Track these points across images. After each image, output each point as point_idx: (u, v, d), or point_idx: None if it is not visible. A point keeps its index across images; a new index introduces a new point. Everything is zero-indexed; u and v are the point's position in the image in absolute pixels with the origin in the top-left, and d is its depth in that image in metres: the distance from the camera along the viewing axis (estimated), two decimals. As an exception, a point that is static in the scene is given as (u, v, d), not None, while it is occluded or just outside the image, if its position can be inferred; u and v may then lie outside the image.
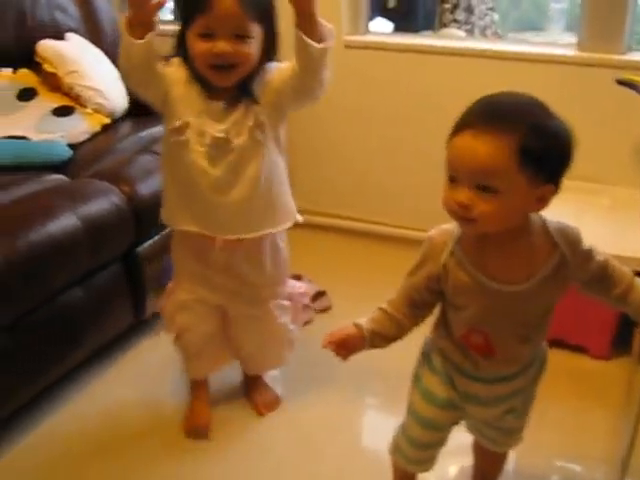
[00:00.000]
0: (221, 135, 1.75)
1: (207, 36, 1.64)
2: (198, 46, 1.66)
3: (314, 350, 2.43)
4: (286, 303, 2.10)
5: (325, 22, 1.69)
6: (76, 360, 2.21)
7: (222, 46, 1.64)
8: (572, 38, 3.92)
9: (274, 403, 2.22)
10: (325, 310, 2.67)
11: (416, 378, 1.60)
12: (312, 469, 1.98)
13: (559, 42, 4.78)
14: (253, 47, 1.68)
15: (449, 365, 1.51)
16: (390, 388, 2.27)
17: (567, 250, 1.35)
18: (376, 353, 2.28)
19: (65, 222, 2.02)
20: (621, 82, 2.38)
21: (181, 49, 1.73)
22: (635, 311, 1.44)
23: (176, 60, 1.77)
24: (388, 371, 2.33)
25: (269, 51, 1.76)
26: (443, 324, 1.49)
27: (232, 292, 1.97)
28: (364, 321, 1.54)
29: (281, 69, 1.77)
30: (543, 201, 1.28)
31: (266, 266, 1.99)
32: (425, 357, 1.58)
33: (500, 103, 1.30)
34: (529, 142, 1.21)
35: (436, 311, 1.52)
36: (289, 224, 1.98)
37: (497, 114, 1.26)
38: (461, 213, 1.27)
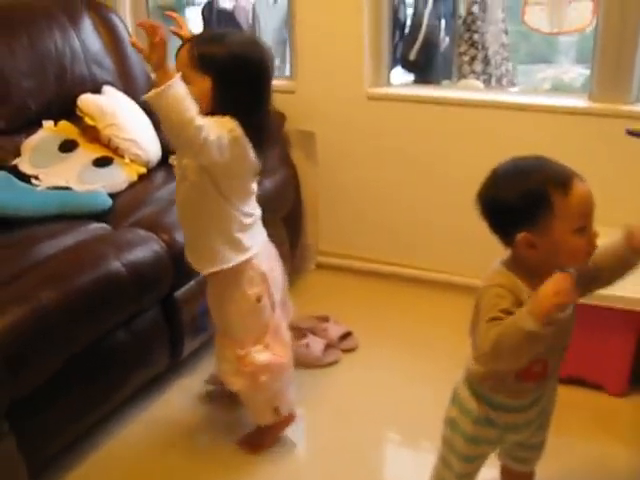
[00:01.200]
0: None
1: None
2: None
3: (341, 387, 2.57)
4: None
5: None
6: (118, 400, 2.33)
7: None
8: (582, 69, 4.07)
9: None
10: (351, 350, 2.77)
11: (452, 423, 1.69)
12: None
13: (569, 73, 4.88)
14: None
15: (486, 406, 1.62)
16: (415, 426, 2.37)
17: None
18: (403, 391, 2.41)
19: (111, 269, 2.16)
20: (631, 133, 2.50)
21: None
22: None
23: None
24: (412, 410, 2.44)
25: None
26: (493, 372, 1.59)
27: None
28: None
29: None
30: None
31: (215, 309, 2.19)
32: (457, 403, 1.68)
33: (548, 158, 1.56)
34: None
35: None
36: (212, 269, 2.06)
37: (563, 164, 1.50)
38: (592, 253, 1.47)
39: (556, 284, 1.36)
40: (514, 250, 1.52)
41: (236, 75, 1.90)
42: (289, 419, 2.30)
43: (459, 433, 1.67)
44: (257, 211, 2.14)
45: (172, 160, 2.12)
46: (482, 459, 1.72)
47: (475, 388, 1.64)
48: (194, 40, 1.94)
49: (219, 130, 1.85)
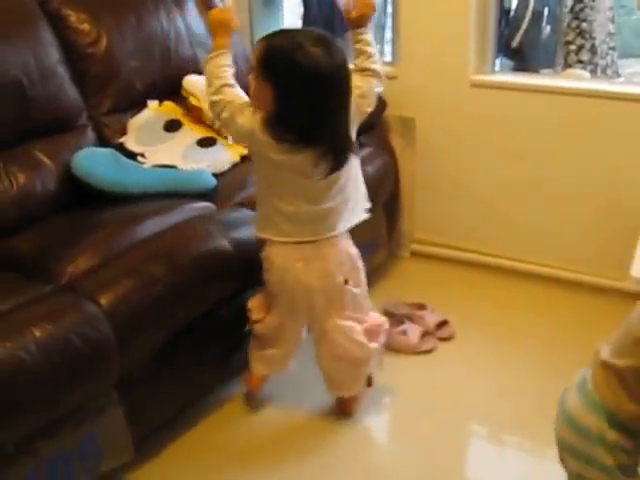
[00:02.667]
0: None
1: None
2: None
3: (437, 375, 2.56)
4: None
5: None
6: (220, 376, 2.40)
7: None
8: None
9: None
10: (448, 339, 2.75)
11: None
12: None
13: None
14: None
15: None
16: (508, 419, 2.35)
17: None
18: (499, 384, 2.37)
19: (218, 246, 2.20)
20: None
21: None
22: None
23: None
24: (506, 401, 2.41)
25: None
26: None
27: None
28: None
29: None
30: None
31: None
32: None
33: None
34: None
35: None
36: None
37: None
38: None
39: None
40: None
41: (296, 90, 1.93)
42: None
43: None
44: (305, 208, 2.08)
45: None
46: None
47: (615, 419, 1.47)
48: (268, 40, 2.00)
49: (236, 114, 2.02)
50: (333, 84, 1.95)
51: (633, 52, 5.29)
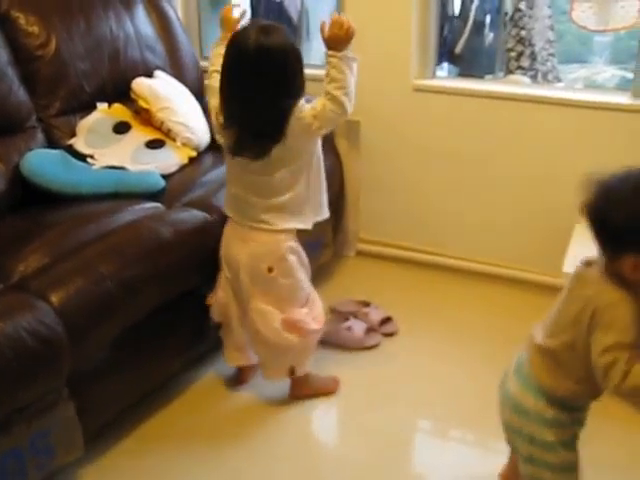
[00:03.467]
0: None
1: None
2: None
3: (381, 370, 2.64)
4: None
5: None
6: (173, 369, 2.47)
7: None
8: (616, 70, 4.07)
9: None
10: (392, 334, 2.84)
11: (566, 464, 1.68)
12: None
13: (603, 74, 4.85)
14: None
15: (577, 414, 1.66)
16: (450, 411, 2.44)
17: None
18: (442, 377, 2.47)
19: (167, 245, 2.25)
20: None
21: None
22: None
23: None
24: (449, 394, 2.51)
25: None
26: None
27: None
28: None
29: None
30: None
31: None
32: (534, 418, 1.65)
33: None
34: None
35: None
36: None
37: None
38: None
39: None
40: (617, 267, 1.52)
41: (224, 69, 2.15)
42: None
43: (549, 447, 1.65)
44: (241, 194, 2.26)
45: None
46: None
47: (553, 397, 1.63)
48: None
49: (211, 97, 2.28)
50: (248, 64, 2.07)
51: (576, 58, 5.39)
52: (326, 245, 3.11)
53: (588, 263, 1.60)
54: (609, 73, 4.99)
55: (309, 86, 2.19)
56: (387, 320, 2.87)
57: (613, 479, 2.12)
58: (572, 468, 1.66)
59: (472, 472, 2.16)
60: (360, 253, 3.47)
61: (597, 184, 1.52)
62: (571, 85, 4.61)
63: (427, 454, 2.36)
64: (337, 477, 2.17)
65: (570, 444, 1.64)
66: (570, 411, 1.62)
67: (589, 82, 4.94)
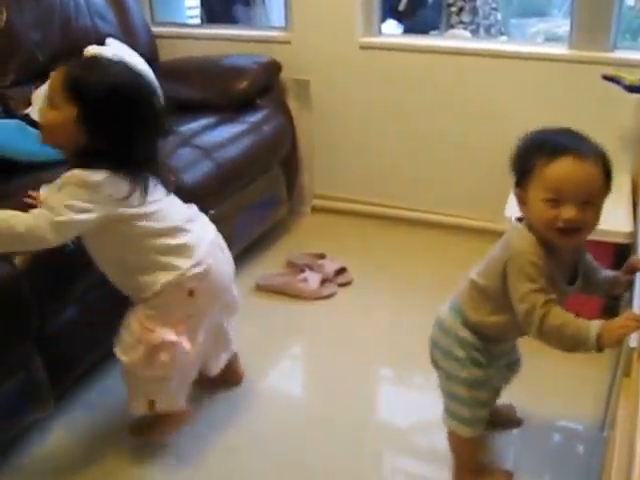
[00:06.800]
0: None
1: None
2: None
3: (337, 317, 2.76)
4: None
5: None
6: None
7: None
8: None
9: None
10: (347, 284, 2.96)
11: (458, 360, 1.79)
12: (327, 440, 2.16)
13: (563, 27, 4.88)
14: None
15: (489, 344, 1.78)
16: (404, 355, 2.54)
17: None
18: (395, 323, 2.58)
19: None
20: (606, 78, 2.66)
21: None
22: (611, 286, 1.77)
23: None
24: (401, 340, 2.62)
25: None
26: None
27: None
28: None
29: None
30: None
31: None
32: (458, 341, 1.79)
33: (574, 132, 1.60)
34: (606, 162, 1.56)
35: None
36: None
37: (582, 141, 1.58)
38: (568, 227, 1.54)
39: (626, 319, 1.49)
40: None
41: (109, 107, 1.80)
42: (179, 417, 2.12)
43: (463, 367, 1.78)
44: None
45: None
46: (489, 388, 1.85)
47: (467, 321, 1.77)
48: (71, 65, 1.92)
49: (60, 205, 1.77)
50: (145, 95, 1.88)
51: (537, 12, 5.42)
52: (280, 202, 3.21)
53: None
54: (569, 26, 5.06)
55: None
56: (342, 271, 2.99)
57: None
58: (483, 385, 1.79)
59: (423, 416, 2.25)
60: (316, 209, 3.59)
61: (523, 137, 1.65)
62: (533, 39, 4.69)
63: (380, 398, 2.47)
64: (294, 422, 2.24)
65: (481, 364, 1.77)
66: (482, 339, 1.76)
67: (549, 35, 5.02)
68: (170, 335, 1.91)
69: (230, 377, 2.35)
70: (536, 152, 1.57)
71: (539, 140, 1.60)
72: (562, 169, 1.52)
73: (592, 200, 1.53)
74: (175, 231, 1.93)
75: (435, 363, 1.88)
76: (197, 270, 1.92)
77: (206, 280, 1.95)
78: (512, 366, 1.96)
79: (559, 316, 1.55)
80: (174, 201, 2.03)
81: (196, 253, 1.93)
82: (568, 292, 1.69)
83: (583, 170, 1.51)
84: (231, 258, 2.14)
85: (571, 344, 1.56)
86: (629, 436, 1.25)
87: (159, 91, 2.00)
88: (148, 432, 2.14)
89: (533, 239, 1.60)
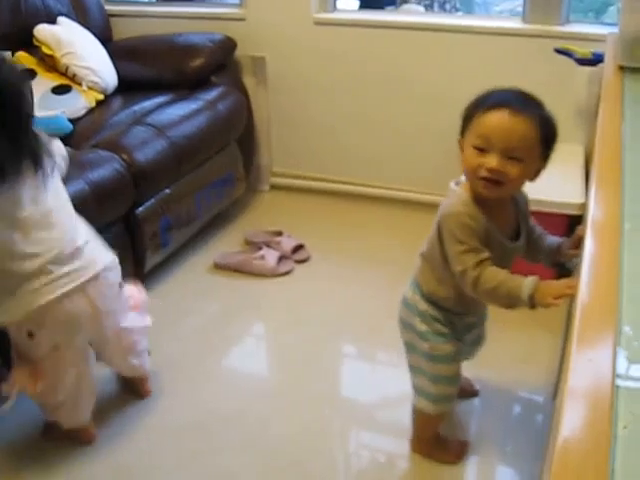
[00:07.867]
0: None
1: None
2: None
3: (295, 294, 2.77)
4: None
5: None
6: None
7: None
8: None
9: None
10: (304, 261, 2.97)
11: (421, 334, 1.81)
12: (291, 417, 2.19)
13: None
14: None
15: (451, 316, 1.79)
16: (367, 330, 2.57)
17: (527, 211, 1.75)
18: (353, 298, 2.60)
19: (75, 187, 2.30)
20: (559, 51, 2.69)
21: None
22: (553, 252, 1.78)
23: None
24: (359, 315, 2.64)
25: None
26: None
27: None
28: None
29: None
30: (537, 174, 1.62)
31: None
32: (420, 315, 1.80)
33: (521, 92, 1.61)
34: (545, 125, 1.57)
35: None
36: None
37: (524, 100, 1.58)
38: (492, 177, 1.56)
39: (565, 286, 1.49)
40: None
41: None
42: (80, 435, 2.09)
43: (429, 340, 1.79)
44: None
45: None
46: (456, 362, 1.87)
47: (423, 293, 1.79)
48: None
49: None
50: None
51: None
52: (238, 180, 3.20)
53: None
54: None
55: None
56: (299, 248, 3.00)
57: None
58: (445, 359, 1.80)
59: (384, 390, 2.29)
60: (274, 187, 3.59)
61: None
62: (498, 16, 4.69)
63: (340, 372, 2.49)
64: (258, 395, 2.27)
65: (445, 335, 1.78)
66: (441, 310, 1.78)
67: (515, 14, 5.04)
68: None
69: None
70: (479, 104, 1.60)
71: (486, 94, 1.62)
72: (494, 119, 1.54)
73: (518, 155, 1.54)
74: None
75: (403, 338, 1.89)
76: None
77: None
78: (478, 339, 1.97)
79: (491, 278, 1.57)
80: None
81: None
82: (514, 249, 1.71)
83: (513, 124, 1.53)
84: None
85: (506, 303, 1.59)
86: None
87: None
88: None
89: (467, 197, 1.62)
